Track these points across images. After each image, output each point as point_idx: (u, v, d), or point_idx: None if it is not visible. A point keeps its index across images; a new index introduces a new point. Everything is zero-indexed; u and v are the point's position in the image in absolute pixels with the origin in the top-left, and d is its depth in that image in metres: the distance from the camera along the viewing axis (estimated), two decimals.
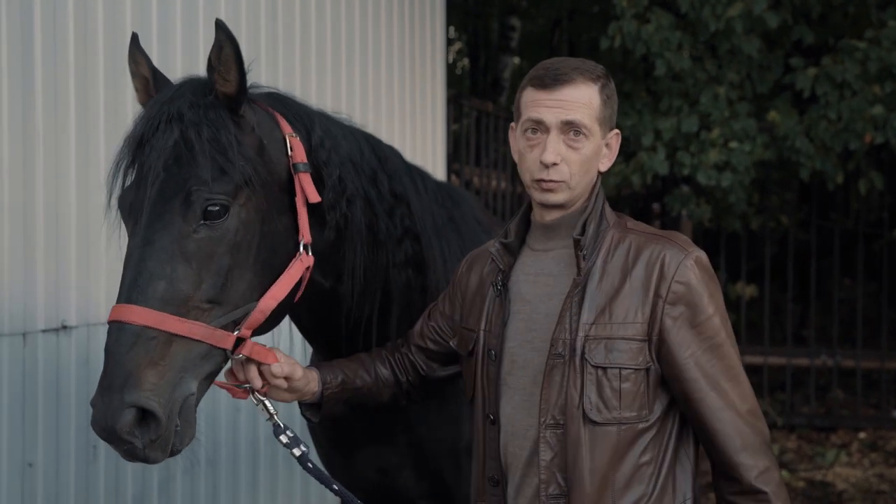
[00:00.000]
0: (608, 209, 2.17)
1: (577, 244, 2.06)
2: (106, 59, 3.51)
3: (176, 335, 1.97)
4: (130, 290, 1.98)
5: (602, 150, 2.15)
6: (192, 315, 2.00)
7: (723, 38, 6.72)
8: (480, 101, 7.90)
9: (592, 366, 2.02)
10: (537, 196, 2.13)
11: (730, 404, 2.05)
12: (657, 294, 2.03)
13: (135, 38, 2.29)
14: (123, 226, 2.16)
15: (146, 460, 1.96)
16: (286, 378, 2.22)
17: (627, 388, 2.02)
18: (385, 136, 3.15)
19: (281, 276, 2.16)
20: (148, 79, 2.27)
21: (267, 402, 2.23)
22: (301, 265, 2.20)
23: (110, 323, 1.97)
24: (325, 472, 2.24)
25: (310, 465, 2.20)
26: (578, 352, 2.02)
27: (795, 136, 6.75)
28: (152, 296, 1.97)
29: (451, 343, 2.38)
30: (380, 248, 2.52)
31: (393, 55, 5.34)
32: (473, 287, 2.31)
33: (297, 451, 2.21)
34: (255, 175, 2.12)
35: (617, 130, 2.19)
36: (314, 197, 2.24)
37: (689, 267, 2.04)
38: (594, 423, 2.01)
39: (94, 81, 3.54)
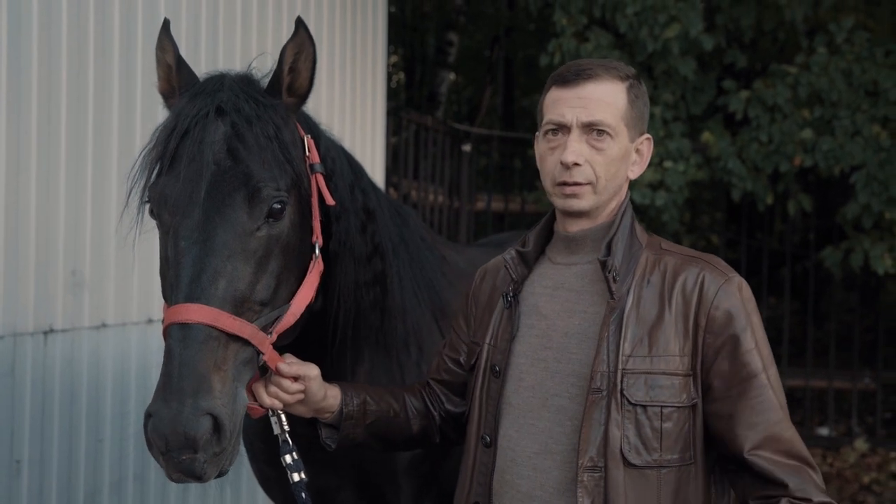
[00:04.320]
0: (639, 227, 2.01)
1: (604, 266, 1.90)
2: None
3: (230, 335, 1.86)
4: (191, 289, 1.86)
5: (631, 156, 1.99)
6: (245, 316, 1.90)
7: (659, 58, 6.83)
8: (419, 114, 7.89)
9: (631, 403, 1.82)
10: (559, 203, 1.97)
11: (765, 442, 1.83)
12: (696, 323, 1.86)
13: (166, 24, 2.21)
14: (157, 220, 2.02)
15: (200, 477, 1.80)
16: (298, 378, 2.04)
17: (669, 427, 1.83)
18: None
19: (305, 279, 2.07)
20: (171, 67, 2.17)
21: (283, 416, 2.08)
22: (318, 269, 2.12)
23: (171, 326, 1.84)
24: None
25: (304, 495, 2.05)
26: (618, 387, 1.83)
27: (728, 157, 6.88)
28: (214, 294, 1.86)
29: (465, 366, 2.18)
30: (356, 265, 2.44)
31: (334, 67, 5.30)
32: (485, 299, 2.15)
33: (296, 477, 2.06)
34: (305, 175, 2.08)
35: (648, 136, 2.02)
36: (330, 199, 2.16)
37: (729, 293, 1.88)
38: (633, 465, 1.82)
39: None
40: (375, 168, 5.72)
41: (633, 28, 6.68)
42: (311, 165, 2.16)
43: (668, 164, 6.77)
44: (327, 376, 2.20)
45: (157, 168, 2.00)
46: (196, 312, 1.83)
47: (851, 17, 7.09)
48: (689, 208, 8.17)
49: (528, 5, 7.63)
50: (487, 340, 2.06)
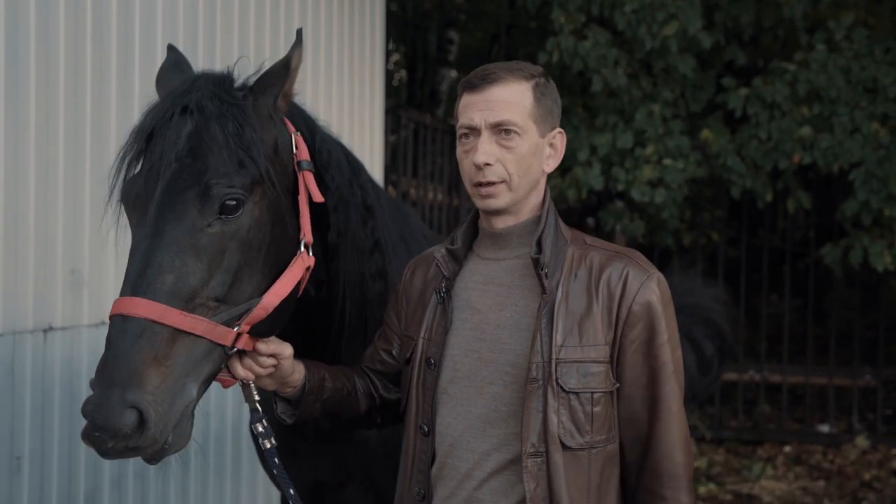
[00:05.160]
0: (562, 223, 2.13)
1: (536, 263, 2.02)
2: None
3: (179, 331, 1.88)
4: (137, 283, 1.89)
5: (544, 150, 2.10)
6: (197, 312, 1.92)
7: (658, 56, 6.84)
8: (418, 112, 7.90)
9: (565, 391, 1.97)
10: (479, 203, 2.09)
11: (667, 430, 2.03)
12: (618, 316, 2.01)
13: (171, 47, 2.32)
14: (126, 218, 2.07)
15: (103, 455, 1.84)
16: (274, 356, 2.09)
17: (598, 411, 1.99)
18: None
19: (283, 274, 2.09)
20: (160, 76, 2.27)
21: (253, 387, 2.13)
22: (302, 264, 2.13)
23: (113, 316, 1.88)
24: (286, 473, 2.14)
25: (276, 460, 2.12)
26: (553, 375, 1.97)
27: (727, 154, 6.89)
28: (159, 289, 1.88)
29: (397, 358, 2.29)
30: (360, 257, 2.50)
31: (332, 65, 5.32)
32: (416, 293, 2.24)
33: (267, 444, 2.13)
34: (273, 172, 2.08)
35: (560, 129, 2.13)
36: (318, 196, 2.18)
37: (650, 289, 2.03)
38: (569, 448, 1.97)
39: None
40: (374, 166, 5.73)
41: (631, 26, 6.68)
42: (299, 163, 2.19)
43: (667, 161, 6.78)
44: (332, 361, 2.31)
45: (129, 166, 2.06)
46: (140, 306, 1.85)
47: (851, 14, 7.08)
48: (689, 206, 8.18)
49: (526, 3, 7.63)
50: (422, 334, 2.15)
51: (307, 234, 2.16)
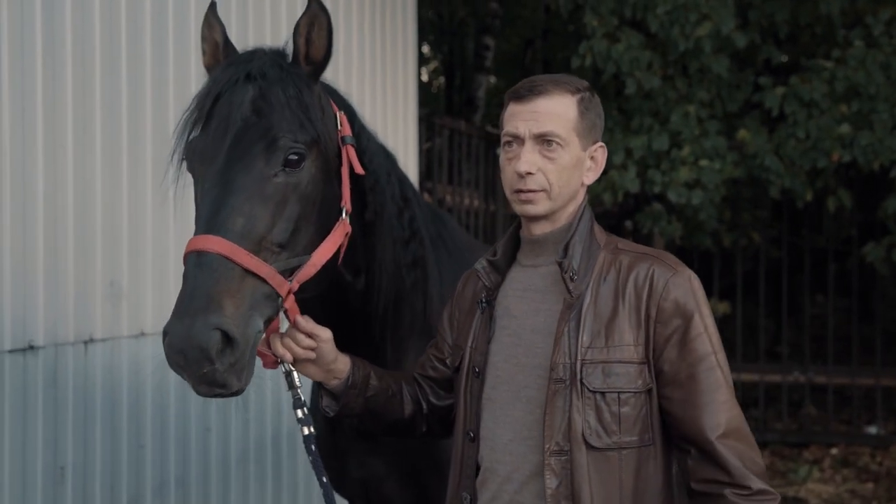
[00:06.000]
0: (598, 229, 2.16)
1: (561, 266, 2.07)
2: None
3: (247, 271, 2.01)
4: (210, 223, 2.03)
5: (585, 163, 2.14)
6: (262, 255, 2.05)
7: (692, 57, 6.80)
8: (453, 119, 7.93)
9: (590, 391, 1.99)
10: (518, 208, 2.14)
11: (716, 423, 1.99)
12: (647, 314, 2.02)
13: (213, 5, 2.42)
14: (191, 174, 2.22)
15: (224, 386, 1.95)
16: (312, 336, 2.18)
17: (627, 411, 2.00)
18: None
19: (328, 236, 2.23)
20: (218, 44, 2.37)
21: (294, 373, 2.22)
22: (343, 229, 2.27)
23: (188, 254, 2.01)
24: (321, 461, 2.22)
25: (313, 447, 2.19)
26: (578, 376, 1.99)
27: (765, 154, 6.83)
28: (231, 229, 2.02)
29: (449, 367, 2.34)
30: (396, 245, 2.63)
31: (364, 73, 5.37)
32: (467, 305, 2.30)
33: (306, 430, 2.20)
34: (325, 136, 2.25)
35: (601, 143, 2.18)
36: (360, 168, 2.34)
37: (677, 285, 2.03)
38: (594, 448, 1.98)
39: (117, 100, 3.68)
40: (409, 174, 5.75)
41: (664, 27, 6.66)
42: (343, 137, 2.34)
43: (703, 162, 6.75)
44: (370, 359, 2.40)
45: (193, 127, 2.21)
46: (214, 243, 1.99)
47: (890, 9, 6.99)
48: (730, 207, 8.13)
49: (559, 8, 7.63)
50: (469, 343, 2.21)
51: (347, 203, 2.30)
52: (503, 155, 2.15)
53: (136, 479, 3.78)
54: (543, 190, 2.08)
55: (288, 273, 2.11)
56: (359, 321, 2.61)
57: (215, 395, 2.00)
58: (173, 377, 3.90)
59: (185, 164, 2.24)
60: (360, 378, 2.26)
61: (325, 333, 2.20)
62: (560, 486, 1.99)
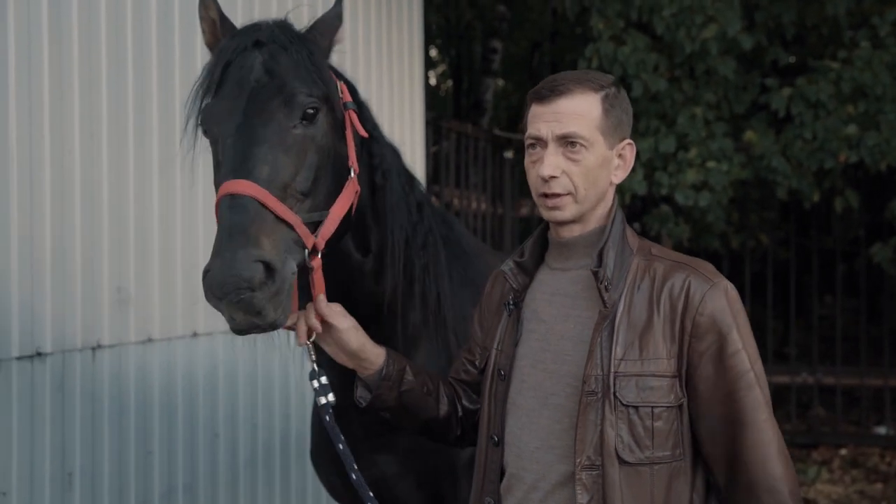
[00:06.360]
0: (630, 233, 2.09)
1: (596, 276, 2.00)
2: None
3: (277, 217, 2.03)
4: (238, 170, 2.07)
5: (612, 161, 2.07)
6: (287, 203, 2.09)
7: (698, 59, 6.80)
8: (460, 122, 7.94)
9: (624, 404, 1.93)
10: (545, 214, 2.08)
11: (756, 442, 1.95)
12: (683, 328, 1.95)
13: None
14: (208, 138, 2.26)
15: (260, 313, 1.95)
16: (324, 321, 2.16)
17: (660, 426, 1.94)
18: None
19: (342, 193, 2.27)
20: (216, 21, 2.40)
21: (310, 348, 2.21)
22: (352, 187, 2.31)
23: (221, 198, 2.04)
24: (338, 428, 2.25)
25: (328, 417, 2.20)
26: (611, 389, 1.94)
27: (772, 155, 6.82)
28: (258, 176, 2.06)
29: (478, 368, 2.29)
30: (408, 216, 2.67)
31: (370, 77, 5.37)
32: (494, 306, 2.25)
33: (323, 400, 2.21)
34: (335, 94, 2.32)
35: (630, 141, 2.10)
36: (363, 131, 2.41)
37: (714, 298, 1.97)
38: (627, 463, 1.93)
39: (123, 105, 3.69)
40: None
41: (670, 29, 6.65)
42: (345, 103, 2.38)
43: (710, 164, 6.74)
44: (377, 329, 2.39)
45: (206, 94, 2.25)
46: (246, 186, 2.03)
47: (895, 9, 6.97)
48: (737, 208, 8.11)
49: (565, 11, 7.64)
50: (495, 345, 2.16)
51: (354, 164, 2.35)
52: (527, 158, 2.09)
53: (143, 486, 3.79)
54: (569, 193, 2.02)
55: (312, 227, 2.14)
56: (369, 306, 2.58)
57: (251, 328, 1.98)
58: (180, 382, 3.95)
59: (199, 129, 2.28)
60: (394, 371, 2.20)
61: (343, 323, 2.18)
62: (591, 501, 1.94)
